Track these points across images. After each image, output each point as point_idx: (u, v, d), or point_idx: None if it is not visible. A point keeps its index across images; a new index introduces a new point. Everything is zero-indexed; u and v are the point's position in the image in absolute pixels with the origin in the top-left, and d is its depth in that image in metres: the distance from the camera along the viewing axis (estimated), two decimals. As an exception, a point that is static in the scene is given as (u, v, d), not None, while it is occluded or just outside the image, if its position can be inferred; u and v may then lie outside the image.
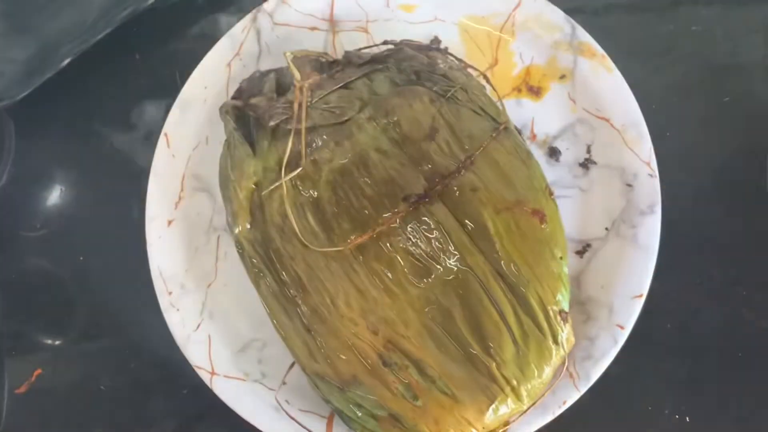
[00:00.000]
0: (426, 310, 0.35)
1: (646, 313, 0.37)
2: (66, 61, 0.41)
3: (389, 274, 0.35)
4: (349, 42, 0.43)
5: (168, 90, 0.43)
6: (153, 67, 0.46)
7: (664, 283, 0.40)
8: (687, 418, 0.39)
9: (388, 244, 0.35)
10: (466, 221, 0.35)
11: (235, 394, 0.37)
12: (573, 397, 0.36)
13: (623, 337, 0.37)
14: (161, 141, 0.41)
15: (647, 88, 0.41)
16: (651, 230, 0.38)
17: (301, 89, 0.37)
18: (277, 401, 0.37)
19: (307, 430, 0.37)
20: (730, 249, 0.42)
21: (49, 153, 0.45)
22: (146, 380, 0.41)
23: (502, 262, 0.35)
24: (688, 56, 0.44)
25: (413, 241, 0.35)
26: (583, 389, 0.36)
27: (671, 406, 0.40)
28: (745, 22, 0.45)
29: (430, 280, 0.35)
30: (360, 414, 0.34)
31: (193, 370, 0.38)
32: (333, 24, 0.43)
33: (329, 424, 0.37)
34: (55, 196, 0.45)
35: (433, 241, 0.35)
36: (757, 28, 0.45)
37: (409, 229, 0.35)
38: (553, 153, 0.41)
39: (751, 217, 0.42)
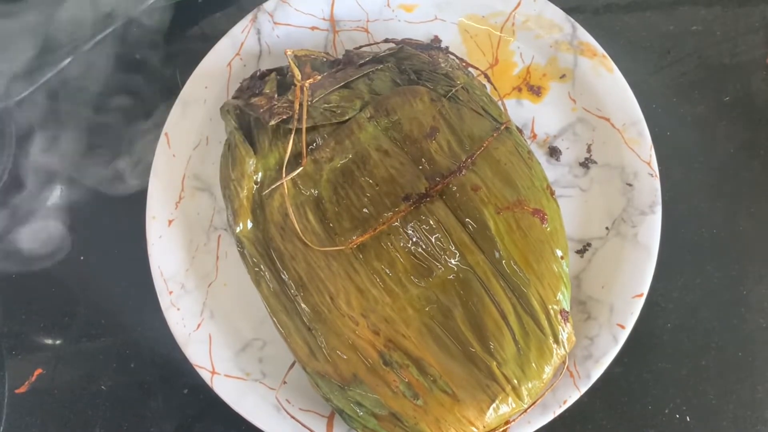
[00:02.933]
0: (426, 309, 0.35)
1: (647, 312, 0.37)
2: (66, 62, 0.41)
3: (390, 274, 0.35)
4: (350, 42, 0.43)
5: (168, 90, 0.43)
6: (153, 67, 0.46)
7: (664, 283, 0.40)
8: (687, 418, 0.39)
9: (388, 244, 0.35)
10: (467, 220, 0.35)
11: (236, 393, 0.37)
12: (573, 396, 0.36)
13: (624, 336, 0.37)
14: (161, 141, 0.41)
15: (647, 88, 0.41)
16: (651, 230, 0.38)
17: (301, 88, 0.37)
18: (278, 400, 0.37)
19: (308, 429, 0.37)
20: (730, 248, 0.42)
21: (49, 153, 0.45)
22: (146, 380, 0.41)
23: (503, 261, 0.35)
24: (688, 56, 0.44)
25: (414, 240, 0.35)
26: (584, 389, 0.36)
27: (672, 406, 0.40)
28: (745, 22, 0.45)
29: (430, 279, 0.35)
30: (361, 413, 0.34)
31: (193, 370, 0.38)
32: (333, 23, 0.43)
33: (330, 424, 0.37)
34: (55, 195, 0.45)
35: (433, 240, 0.35)
36: (756, 27, 0.45)
37: (409, 228, 0.35)
38: (554, 152, 0.41)
39: (751, 217, 0.42)
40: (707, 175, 0.43)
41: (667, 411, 0.40)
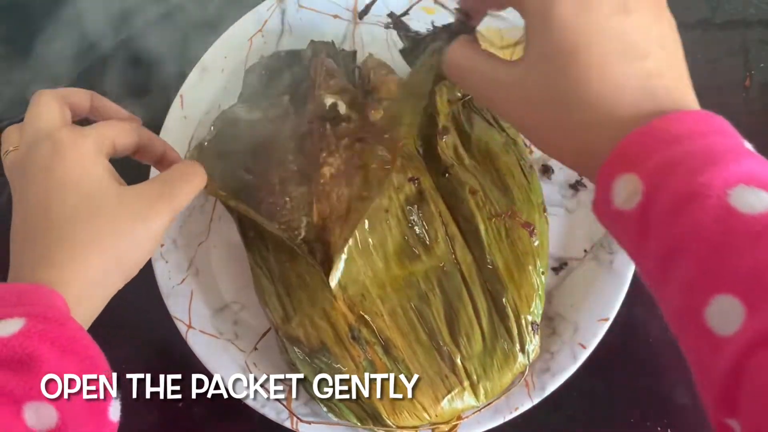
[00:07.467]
0: (405, 291, 0.36)
1: (629, 328, 0.38)
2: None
3: (379, 249, 0.36)
4: (369, 35, 0.44)
5: (165, 111, 0.42)
6: (149, 91, 0.46)
7: (647, 300, 0.41)
8: (669, 430, 0.40)
9: (384, 220, 0.36)
10: (461, 219, 0.37)
11: (207, 349, 0.38)
12: (526, 405, 0.37)
13: (584, 356, 0.38)
14: (176, 101, 0.42)
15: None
16: (627, 259, 0.39)
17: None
18: (246, 363, 0.39)
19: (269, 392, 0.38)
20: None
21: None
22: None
23: (487, 264, 0.36)
24: (668, 78, 0.45)
25: (410, 222, 0.37)
26: (537, 400, 0.37)
27: (653, 419, 0.40)
28: (725, 45, 0.46)
29: (416, 264, 0.36)
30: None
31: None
32: (356, 15, 0.44)
33: (290, 390, 0.38)
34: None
35: (428, 228, 0.37)
36: (735, 51, 0.46)
37: (408, 209, 0.37)
38: (546, 170, 0.42)
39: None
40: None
41: (648, 423, 0.40)
